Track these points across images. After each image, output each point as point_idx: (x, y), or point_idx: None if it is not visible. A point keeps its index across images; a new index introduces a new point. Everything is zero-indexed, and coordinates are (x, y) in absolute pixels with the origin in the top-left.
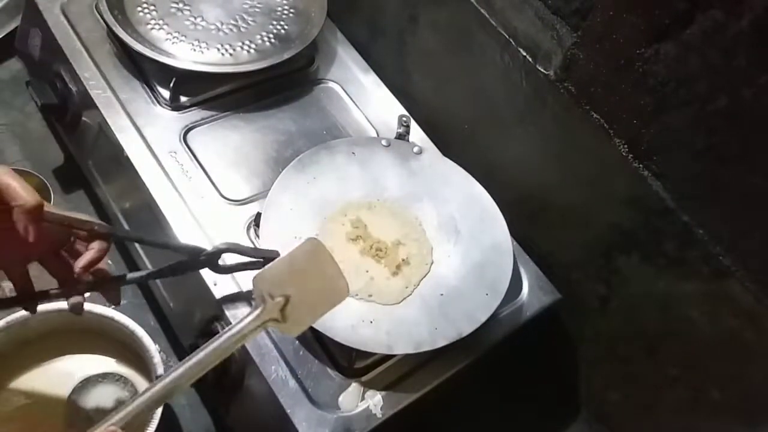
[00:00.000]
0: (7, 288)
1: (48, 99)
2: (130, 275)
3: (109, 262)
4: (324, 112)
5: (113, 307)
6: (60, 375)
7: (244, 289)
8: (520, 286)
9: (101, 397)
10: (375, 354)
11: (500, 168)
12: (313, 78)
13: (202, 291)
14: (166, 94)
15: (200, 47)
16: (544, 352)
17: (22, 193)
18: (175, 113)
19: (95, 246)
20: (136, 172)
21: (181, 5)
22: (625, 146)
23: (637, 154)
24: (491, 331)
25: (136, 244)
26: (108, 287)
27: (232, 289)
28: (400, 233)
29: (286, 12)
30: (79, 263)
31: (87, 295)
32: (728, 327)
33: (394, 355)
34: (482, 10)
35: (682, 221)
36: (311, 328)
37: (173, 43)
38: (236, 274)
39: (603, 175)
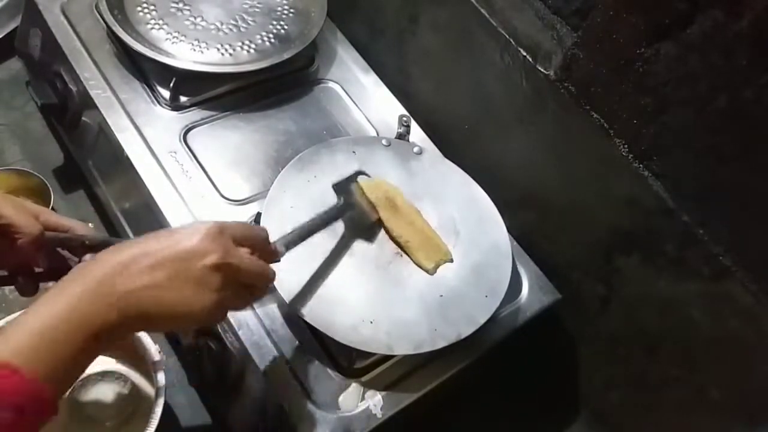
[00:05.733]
0: (7, 288)
1: (48, 99)
2: None
3: None
4: (324, 112)
5: None
6: None
7: None
8: (520, 286)
9: (101, 395)
10: (375, 354)
11: (500, 168)
12: (313, 78)
13: None
14: (166, 94)
15: (200, 47)
16: (544, 352)
17: (23, 224)
18: (175, 113)
19: (87, 258)
20: (136, 172)
21: (181, 5)
22: (625, 146)
23: (637, 154)
24: (491, 331)
25: None
26: None
27: None
28: None
29: (286, 12)
30: None
31: None
32: (728, 327)
33: (394, 356)
34: (482, 10)
35: (682, 221)
36: (311, 328)
37: (173, 43)
38: None
39: (603, 175)
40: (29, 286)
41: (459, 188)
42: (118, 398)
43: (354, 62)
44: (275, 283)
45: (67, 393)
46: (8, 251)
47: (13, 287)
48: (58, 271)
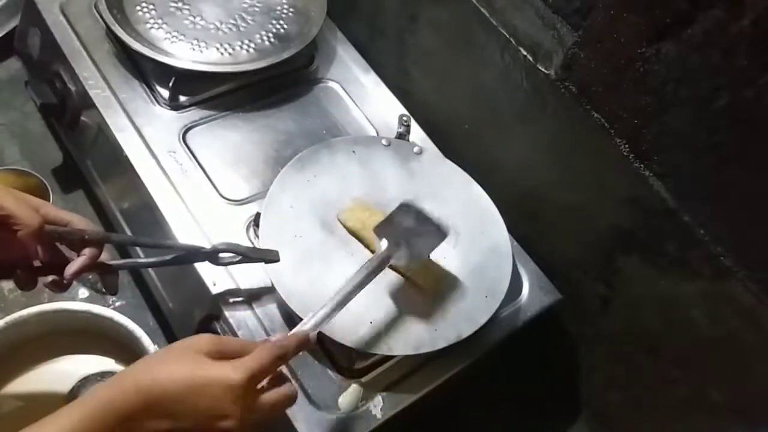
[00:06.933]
0: (6, 288)
1: (47, 99)
2: (126, 261)
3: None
4: (324, 112)
5: (112, 307)
6: (59, 375)
7: (243, 288)
8: (520, 286)
9: None
10: (375, 355)
11: (500, 167)
12: (313, 77)
13: (201, 290)
14: (165, 93)
15: (199, 46)
16: (544, 352)
17: (23, 216)
18: (174, 113)
19: (86, 252)
20: (135, 172)
21: (180, 4)
22: (626, 146)
23: (637, 153)
24: (491, 331)
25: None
26: (101, 270)
27: (230, 289)
28: None
29: (285, 11)
30: (70, 269)
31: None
32: (729, 327)
33: (393, 356)
34: (482, 10)
35: (683, 221)
36: None
37: (172, 42)
38: (235, 274)
39: (603, 174)
40: (28, 279)
41: (459, 188)
42: None
43: (354, 62)
44: (275, 283)
45: (67, 393)
46: (8, 243)
47: (12, 286)
48: (56, 265)
